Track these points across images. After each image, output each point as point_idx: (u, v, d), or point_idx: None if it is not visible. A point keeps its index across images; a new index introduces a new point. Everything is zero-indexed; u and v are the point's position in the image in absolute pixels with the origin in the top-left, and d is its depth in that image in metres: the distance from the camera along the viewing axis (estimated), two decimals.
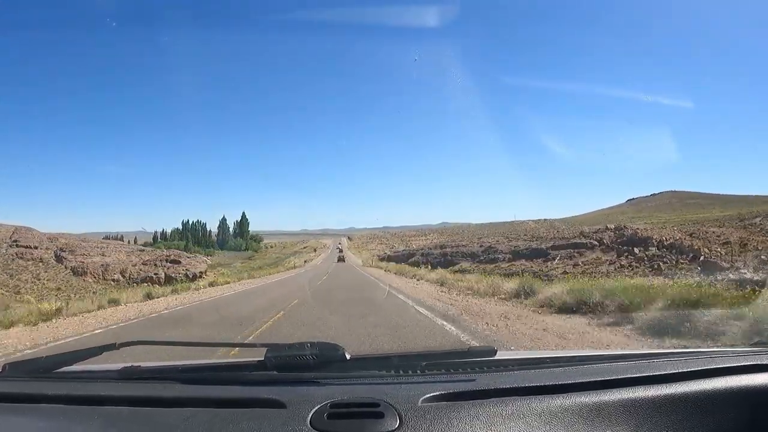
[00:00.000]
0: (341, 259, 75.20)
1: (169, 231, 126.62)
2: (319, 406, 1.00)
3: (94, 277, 41.34)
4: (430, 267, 36.34)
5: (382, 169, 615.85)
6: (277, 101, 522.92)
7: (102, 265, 42.46)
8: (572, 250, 36.55)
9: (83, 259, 44.50)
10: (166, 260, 42.98)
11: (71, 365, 1.39)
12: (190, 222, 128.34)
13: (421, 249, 48.97)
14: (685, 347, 4.27)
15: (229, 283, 26.87)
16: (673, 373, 1.12)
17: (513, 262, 36.07)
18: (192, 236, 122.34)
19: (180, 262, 42.17)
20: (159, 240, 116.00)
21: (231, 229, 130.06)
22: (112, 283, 40.60)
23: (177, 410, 1.05)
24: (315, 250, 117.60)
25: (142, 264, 43.43)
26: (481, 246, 41.90)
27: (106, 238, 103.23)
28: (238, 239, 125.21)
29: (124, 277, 41.57)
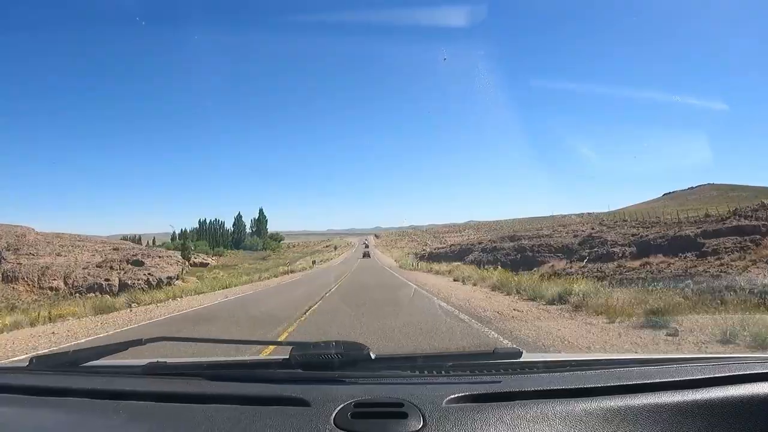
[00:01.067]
0: (366, 255, 68.11)
1: (188, 230, 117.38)
2: (343, 405, 0.99)
3: (27, 285, 29.76)
4: (499, 268, 23.26)
5: (407, 168, 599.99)
6: (302, 103, 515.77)
7: (41, 268, 30.82)
8: (739, 238, 22.60)
9: (26, 260, 33.26)
10: (127, 261, 31.15)
11: (97, 360, 1.38)
12: (208, 220, 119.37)
13: (480, 243, 34.63)
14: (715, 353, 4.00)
15: (177, 298, 15.28)
16: (701, 379, 1.09)
17: (645, 259, 22.41)
18: (209, 235, 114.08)
19: (143, 264, 30.24)
20: (177, 239, 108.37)
21: (248, 227, 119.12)
22: (48, 292, 29.04)
23: (201, 406, 1.05)
24: (335, 248, 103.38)
25: (96, 266, 31.68)
26: (575, 236, 28.15)
27: (124, 239, 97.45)
28: (255, 238, 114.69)
29: (66, 284, 29.83)
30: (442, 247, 47.64)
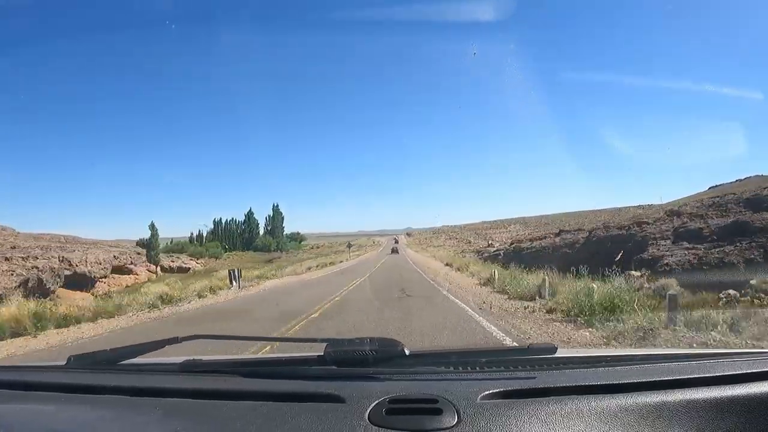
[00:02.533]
0: (395, 251, 63.12)
1: (205, 232, 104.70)
2: (377, 401, 0.99)
3: None
4: None
5: (438, 168, 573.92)
6: (331, 104, 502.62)
7: None
8: None
9: None
10: None
11: (134, 358, 1.40)
12: (224, 220, 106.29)
13: (623, 228, 15.67)
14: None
15: None
16: (738, 374, 1.06)
17: None
18: (225, 236, 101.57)
19: None
20: (195, 241, 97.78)
21: (262, 225, 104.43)
22: None
23: (237, 403, 1.06)
24: (349, 246, 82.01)
25: None
26: None
27: (140, 242, 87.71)
28: (267, 237, 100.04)
29: None
30: (538, 238, 27.01)
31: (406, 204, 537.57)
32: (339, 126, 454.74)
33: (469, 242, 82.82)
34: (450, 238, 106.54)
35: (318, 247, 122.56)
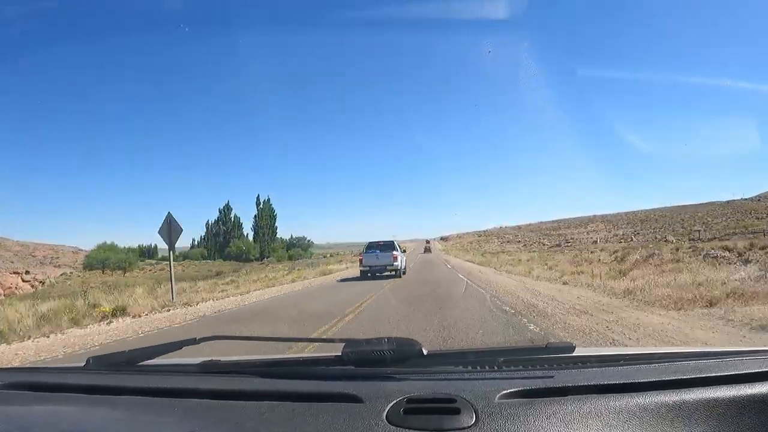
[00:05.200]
0: (428, 250, 64.51)
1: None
2: (395, 401, 0.99)
3: None
4: None
5: (469, 171, 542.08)
6: (370, 116, 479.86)
7: None
8: None
9: None
10: None
11: (152, 359, 1.42)
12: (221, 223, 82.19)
13: None
14: None
15: None
16: (759, 372, 1.05)
17: None
18: (218, 241, 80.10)
19: None
20: (195, 247, 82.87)
21: (251, 226, 78.35)
22: None
23: (255, 404, 1.06)
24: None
25: None
26: None
27: (140, 247, 75.25)
28: (246, 241, 74.71)
29: None
30: None
31: (439, 210, 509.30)
32: (364, 133, 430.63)
33: (558, 244, 52.24)
34: (508, 242, 76.64)
35: (331, 255, 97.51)
